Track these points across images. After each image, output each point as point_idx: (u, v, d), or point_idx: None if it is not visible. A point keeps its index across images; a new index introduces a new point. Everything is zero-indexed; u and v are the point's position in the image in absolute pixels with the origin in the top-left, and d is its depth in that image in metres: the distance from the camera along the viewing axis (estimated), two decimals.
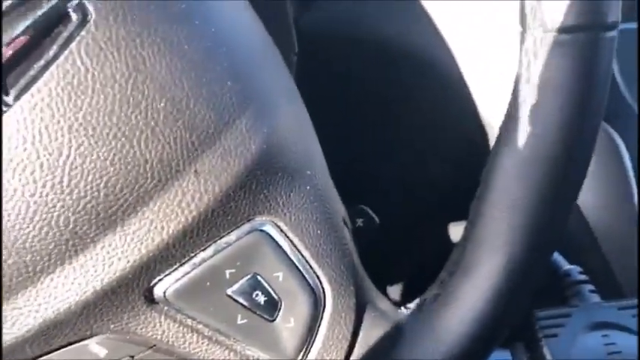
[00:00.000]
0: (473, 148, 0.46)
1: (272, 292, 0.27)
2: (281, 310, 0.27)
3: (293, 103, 0.29)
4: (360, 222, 0.40)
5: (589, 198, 0.46)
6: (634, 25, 0.49)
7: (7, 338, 0.24)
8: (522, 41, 0.29)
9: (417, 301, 0.32)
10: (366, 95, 0.54)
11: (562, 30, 0.27)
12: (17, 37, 0.21)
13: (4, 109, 0.21)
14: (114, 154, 0.23)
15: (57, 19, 0.22)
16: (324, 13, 0.53)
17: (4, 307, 0.24)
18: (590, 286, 0.43)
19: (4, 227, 0.22)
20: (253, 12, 0.29)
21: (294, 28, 0.45)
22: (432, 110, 0.52)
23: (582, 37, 0.27)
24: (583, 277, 0.43)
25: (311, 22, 0.53)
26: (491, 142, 0.32)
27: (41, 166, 0.22)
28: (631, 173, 0.47)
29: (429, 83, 0.50)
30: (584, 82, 0.28)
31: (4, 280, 0.23)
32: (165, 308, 0.26)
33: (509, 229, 0.29)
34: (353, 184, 0.34)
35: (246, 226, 0.26)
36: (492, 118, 0.48)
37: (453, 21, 0.50)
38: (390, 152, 0.55)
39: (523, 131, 0.29)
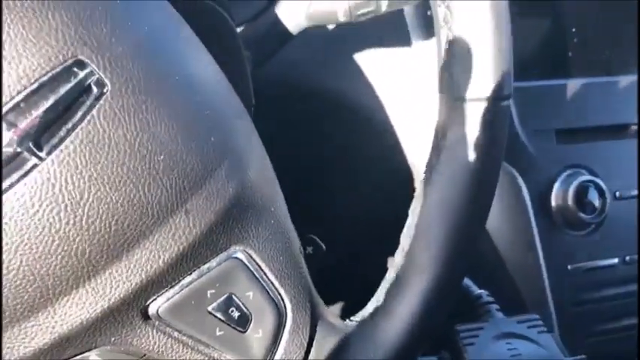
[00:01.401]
0: (403, 187, 0.50)
1: (244, 309, 0.30)
2: (251, 323, 0.31)
3: (260, 152, 0.33)
4: (309, 249, 0.44)
5: (495, 228, 0.52)
6: (526, 84, 0.57)
7: (26, 351, 0.27)
8: (439, 104, 0.34)
9: (359, 314, 0.36)
10: (309, 141, 0.57)
11: (468, 100, 0.33)
12: (50, 107, 0.25)
13: (38, 162, 0.25)
14: (123, 198, 0.26)
15: (81, 91, 0.26)
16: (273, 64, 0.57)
17: (25, 324, 0.26)
18: (497, 306, 0.50)
19: (32, 256, 0.25)
20: (224, 76, 0.33)
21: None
22: (368, 154, 0.56)
23: (484, 105, 0.33)
24: (490, 299, 0.51)
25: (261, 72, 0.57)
26: (417, 182, 0.37)
27: (65, 207, 0.25)
28: (529, 205, 0.53)
29: (366, 132, 0.55)
30: (487, 138, 0.33)
31: (29, 300, 0.26)
32: (157, 323, 0.29)
33: (431, 256, 0.34)
34: (304, 217, 0.39)
35: (224, 254, 0.30)
36: (418, 162, 0.53)
37: (385, 74, 0.55)
38: (333, 191, 0.59)
39: (440, 176, 0.34)
